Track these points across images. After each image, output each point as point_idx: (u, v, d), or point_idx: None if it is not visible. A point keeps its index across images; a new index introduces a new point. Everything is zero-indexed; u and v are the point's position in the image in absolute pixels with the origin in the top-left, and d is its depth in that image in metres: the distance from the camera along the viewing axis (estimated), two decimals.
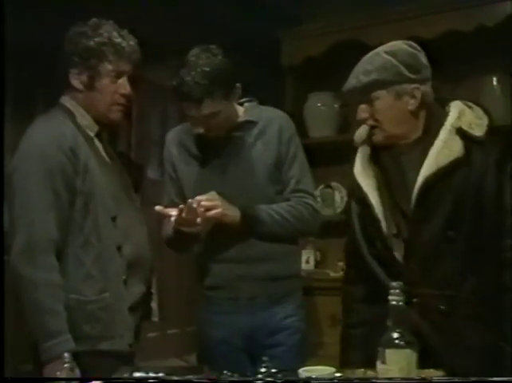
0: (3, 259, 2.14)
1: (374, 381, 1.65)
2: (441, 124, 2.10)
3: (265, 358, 1.79)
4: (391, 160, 2.17)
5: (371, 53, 2.15)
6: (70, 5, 2.85)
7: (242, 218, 2.45)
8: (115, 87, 2.30)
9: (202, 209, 2.36)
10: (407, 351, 1.63)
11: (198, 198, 2.37)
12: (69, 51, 2.29)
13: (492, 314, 2.02)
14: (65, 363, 1.77)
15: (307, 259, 3.94)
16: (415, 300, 2.04)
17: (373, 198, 2.13)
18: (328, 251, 3.94)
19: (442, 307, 2.04)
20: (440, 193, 2.04)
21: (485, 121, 2.10)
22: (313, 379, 1.75)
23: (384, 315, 1.68)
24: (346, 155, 3.70)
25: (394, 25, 3.40)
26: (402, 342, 1.63)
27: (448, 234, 2.03)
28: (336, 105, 3.95)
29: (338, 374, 1.86)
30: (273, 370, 1.77)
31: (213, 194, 2.41)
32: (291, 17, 3.81)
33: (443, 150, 2.05)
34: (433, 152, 2.06)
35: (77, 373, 2.00)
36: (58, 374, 1.77)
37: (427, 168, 2.05)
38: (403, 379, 1.63)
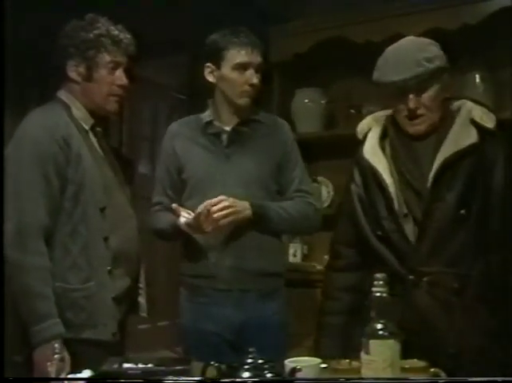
0: (3, 259, 2.16)
1: (379, 381, 1.66)
2: (454, 116, 2.18)
3: (251, 349, 1.79)
4: (403, 146, 2.21)
5: (417, 43, 2.18)
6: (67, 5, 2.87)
7: (253, 215, 2.50)
8: (112, 78, 2.34)
9: (216, 217, 2.40)
10: (391, 342, 1.65)
11: (207, 203, 2.41)
12: (66, 44, 2.32)
13: (500, 296, 2.08)
14: (55, 354, 1.78)
15: (294, 252, 3.96)
16: (425, 279, 2.09)
17: (387, 178, 2.18)
18: (315, 245, 3.95)
19: (455, 285, 2.08)
20: (455, 174, 2.11)
21: (493, 117, 2.18)
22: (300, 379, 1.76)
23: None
24: (332, 150, 3.77)
25: (379, 22, 3.44)
26: (386, 333, 1.66)
27: (460, 213, 2.09)
28: (322, 101, 3.98)
29: (324, 365, 1.88)
30: (260, 361, 1.75)
31: (222, 198, 2.44)
32: (279, 14, 3.84)
33: (462, 134, 2.14)
34: (452, 135, 2.14)
35: (67, 359, 2.03)
36: (48, 364, 1.76)
37: (447, 149, 2.12)
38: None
